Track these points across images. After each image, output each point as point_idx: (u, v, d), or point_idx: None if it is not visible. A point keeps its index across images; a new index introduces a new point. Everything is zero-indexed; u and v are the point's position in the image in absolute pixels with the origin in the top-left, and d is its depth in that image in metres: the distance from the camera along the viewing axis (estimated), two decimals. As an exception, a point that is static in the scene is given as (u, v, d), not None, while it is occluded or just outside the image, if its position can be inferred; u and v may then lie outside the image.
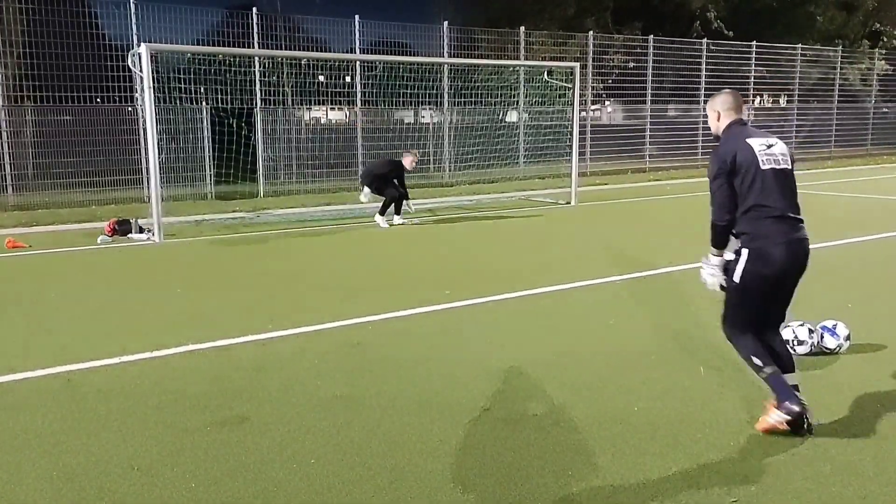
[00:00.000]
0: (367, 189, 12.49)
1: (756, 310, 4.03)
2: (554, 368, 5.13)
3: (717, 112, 4.21)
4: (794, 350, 5.21)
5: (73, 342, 5.92)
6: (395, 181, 12.50)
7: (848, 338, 5.29)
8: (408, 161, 12.63)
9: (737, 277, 3.99)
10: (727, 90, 4.30)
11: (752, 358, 4.00)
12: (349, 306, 6.89)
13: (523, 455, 3.82)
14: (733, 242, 4.10)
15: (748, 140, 4.00)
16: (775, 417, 3.94)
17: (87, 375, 5.12)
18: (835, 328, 5.30)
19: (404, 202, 12.67)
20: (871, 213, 13.27)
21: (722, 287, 4.17)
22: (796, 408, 3.86)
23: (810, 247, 4.04)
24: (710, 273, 4.21)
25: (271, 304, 7.12)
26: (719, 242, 4.11)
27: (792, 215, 3.95)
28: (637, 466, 3.68)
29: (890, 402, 4.46)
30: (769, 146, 4.01)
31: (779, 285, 4.01)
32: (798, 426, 3.92)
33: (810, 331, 5.25)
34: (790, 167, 4.04)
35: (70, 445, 3.99)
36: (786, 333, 5.28)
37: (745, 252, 3.95)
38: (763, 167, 3.92)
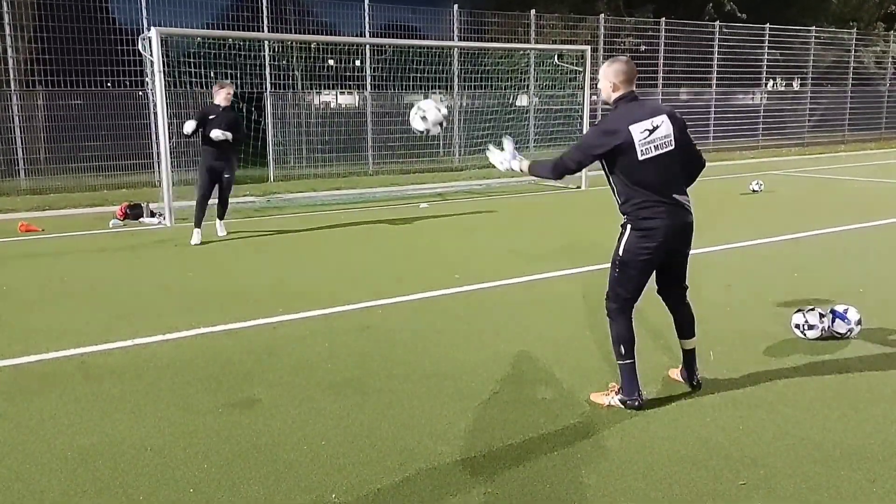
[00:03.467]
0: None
1: (635, 284, 4.12)
2: (563, 352, 5.14)
3: (613, 83, 4.14)
4: (805, 335, 5.22)
5: (86, 325, 5.97)
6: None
7: (859, 322, 5.28)
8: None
9: (620, 252, 4.12)
10: (623, 58, 4.25)
11: (620, 345, 4.16)
12: (359, 290, 6.91)
13: (532, 438, 3.84)
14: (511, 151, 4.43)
15: (631, 127, 3.96)
16: (611, 400, 4.21)
17: (101, 358, 5.17)
18: (846, 313, 5.29)
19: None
20: (884, 197, 13.18)
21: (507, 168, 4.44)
22: (636, 404, 4.14)
23: (693, 226, 4.16)
24: (501, 160, 4.44)
25: (281, 288, 7.15)
26: (534, 172, 4.40)
27: (673, 197, 4.03)
28: (645, 449, 3.70)
29: (900, 386, 4.46)
30: (652, 130, 3.97)
31: (658, 261, 4.14)
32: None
33: (821, 315, 5.24)
34: (673, 147, 4.01)
35: (84, 426, 4.04)
36: (796, 318, 5.29)
37: (628, 228, 4.10)
38: (640, 158, 3.95)
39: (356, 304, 6.44)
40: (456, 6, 19.74)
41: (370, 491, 3.35)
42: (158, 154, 11.87)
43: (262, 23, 17.15)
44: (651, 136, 3.97)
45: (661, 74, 22.94)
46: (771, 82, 28.04)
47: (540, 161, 4.41)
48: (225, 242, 9.73)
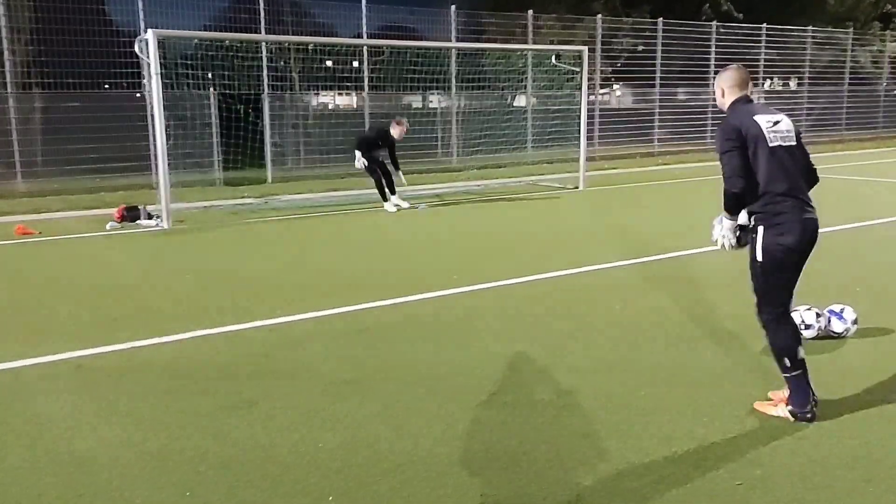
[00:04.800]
0: (358, 153, 12.22)
1: (785, 284, 3.97)
2: (560, 353, 5.14)
3: (723, 89, 4.23)
4: (802, 334, 5.21)
5: (83, 328, 5.96)
6: (381, 153, 12.34)
7: (855, 322, 5.28)
8: (396, 131, 12.35)
9: (759, 256, 3.94)
10: (734, 66, 4.28)
11: (784, 357, 3.94)
12: (356, 292, 6.91)
13: (529, 440, 3.84)
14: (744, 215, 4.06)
15: (755, 117, 3.96)
16: (781, 413, 4.01)
17: (98, 361, 5.17)
18: (842, 312, 5.29)
19: (394, 177, 12.54)
20: (882, 196, 13.20)
21: (731, 245, 4.12)
22: (808, 416, 3.94)
23: (820, 230, 4.01)
24: (722, 234, 4.13)
25: (279, 290, 7.15)
26: (732, 207, 4.01)
27: (801, 195, 3.94)
28: (643, 451, 3.70)
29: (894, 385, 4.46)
30: (775, 122, 3.96)
31: (797, 260, 3.95)
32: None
33: (817, 314, 5.25)
34: (795, 143, 4.00)
35: (81, 430, 4.03)
36: (793, 317, 5.28)
37: (760, 230, 3.92)
38: (771, 144, 3.89)
39: (353, 306, 6.44)
40: (453, 7, 19.76)
41: (367, 494, 3.35)
42: (155, 156, 11.86)
43: (260, 24, 17.16)
44: (776, 126, 3.93)
45: (659, 74, 22.96)
46: (768, 82, 28.09)
47: (726, 202, 4.02)
48: (221, 244, 9.72)
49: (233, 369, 4.94)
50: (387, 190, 12.41)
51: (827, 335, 5.26)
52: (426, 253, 9.08)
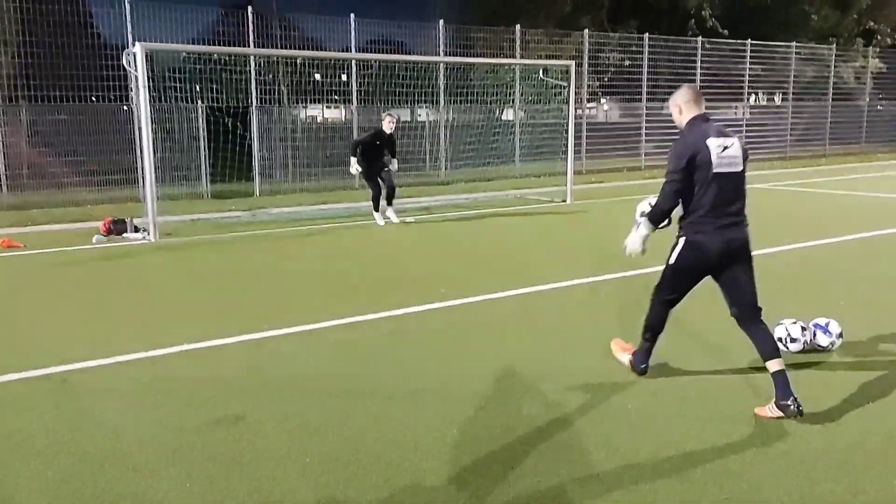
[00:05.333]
0: (353, 160, 12.16)
1: (681, 289, 4.60)
2: (549, 366, 5.15)
3: (679, 106, 4.48)
4: (787, 348, 5.24)
5: (68, 342, 5.92)
6: (383, 158, 12.28)
7: (840, 335, 5.31)
8: (386, 124, 12.25)
9: (673, 260, 4.50)
10: (686, 85, 4.64)
11: (647, 329, 4.73)
12: (345, 305, 6.90)
13: (518, 453, 3.83)
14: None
15: (708, 141, 4.25)
16: (625, 358, 4.90)
17: (83, 375, 5.13)
18: (827, 326, 5.32)
19: (388, 167, 12.41)
20: (865, 210, 13.31)
21: (637, 253, 4.69)
22: (641, 368, 4.78)
23: (750, 241, 4.43)
24: (634, 241, 4.64)
25: (267, 303, 7.13)
26: (658, 220, 4.53)
27: (732, 212, 4.33)
28: (631, 464, 3.70)
29: (882, 399, 4.49)
30: (725, 147, 4.28)
31: (710, 271, 4.46)
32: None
33: (803, 328, 5.27)
34: (740, 169, 4.34)
35: (66, 446, 4.00)
36: (778, 331, 5.31)
37: (682, 240, 4.43)
38: (715, 170, 4.23)
39: (341, 319, 6.42)
40: (441, 21, 19.86)
41: (355, 508, 3.34)
42: (143, 169, 11.83)
43: (248, 38, 17.18)
44: (725, 152, 4.26)
45: (645, 89, 23.12)
46: (753, 97, 28.34)
47: (651, 211, 4.53)
48: (209, 258, 9.69)
49: (220, 383, 4.92)
50: (383, 202, 12.32)
51: (812, 349, 5.29)
52: (414, 266, 9.08)
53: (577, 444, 3.94)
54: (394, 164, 12.58)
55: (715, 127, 4.38)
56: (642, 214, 4.61)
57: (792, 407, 4.09)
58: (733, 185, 4.30)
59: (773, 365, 4.25)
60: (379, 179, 12.26)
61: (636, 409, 4.37)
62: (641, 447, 3.88)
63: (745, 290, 4.43)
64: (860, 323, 5.93)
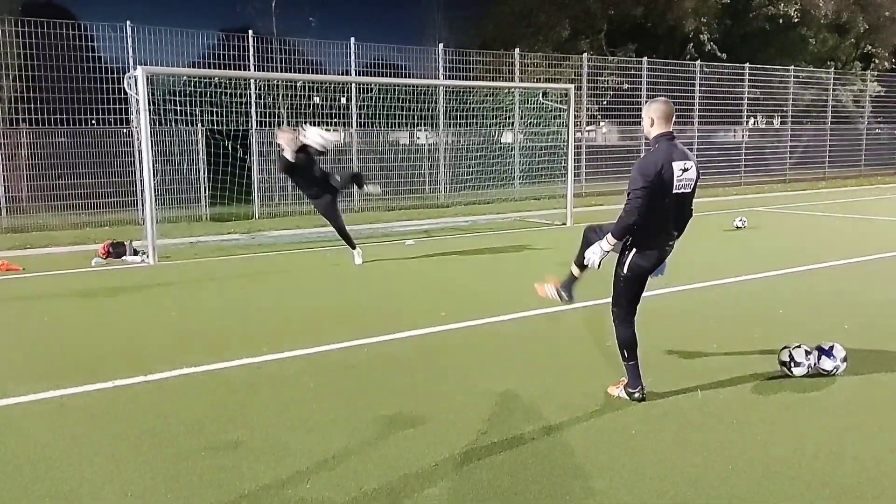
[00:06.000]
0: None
1: (634, 294, 4.90)
2: (550, 391, 5.11)
3: (652, 119, 4.70)
4: (791, 372, 5.20)
5: (66, 366, 5.87)
6: (314, 181, 10.21)
7: (845, 359, 5.27)
8: (283, 140, 10.03)
9: (625, 270, 4.82)
10: (662, 99, 4.80)
11: (624, 349, 4.89)
12: (344, 329, 6.86)
13: (520, 479, 3.79)
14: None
15: (673, 163, 4.53)
16: (620, 392, 4.93)
17: (81, 399, 5.08)
18: (832, 349, 5.28)
19: (368, 187, 11.21)
20: (866, 234, 13.30)
21: (596, 266, 4.96)
22: (637, 395, 4.84)
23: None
24: (597, 254, 4.89)
25: (266, 328, 7.09)
26: (622, 235, 4.73)
27: (675, 229, 4.78)
28: (634, 490, 3.66)
29: (888, 424, 4.44)
30: (684, 170, 4.57)
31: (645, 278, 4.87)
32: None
33: (807, 352, 5.23)
34: (690, 191, 4.68)
35: (63, 471, 3.95)
36: (782, 355, 5.28)
37: (633, 251, 4.75)
38: (674, 191, 4.56)
39: (341, 343, 6.38)
40: (441, 45, 19.98)
41: (355, 536, 3.29)
42: (142, 192, 11.83)
43: (248, 61, 17.26)
44: (683, 174, 4.57)
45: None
46: (752, 120, 28.45)
47: (614, 225, 4.75)
48: (208, 281, 9.66)
49: (218, 408, 4.87)
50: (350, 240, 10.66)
51: (817, 373, 5.24)
52: (414, 289, 9.05)
53: (580, 469, 3.89)
54: (375, 188, 11.27)
55: (679, 149, 4.63)
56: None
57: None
58: (683, 204, 4.69)
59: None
60: (330, 209, 10.44)
61: (639, 434, 4.32)
62: (644, 472, 3.83)
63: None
64: (864, 347, 5.90)
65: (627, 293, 4.90)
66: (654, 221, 4.61)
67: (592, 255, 4.88)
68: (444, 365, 5.80)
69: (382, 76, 20.12)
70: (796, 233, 13.68)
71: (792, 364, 5.21)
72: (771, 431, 4.34)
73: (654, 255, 4.76)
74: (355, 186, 11.58)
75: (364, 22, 52.88)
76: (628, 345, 4.90)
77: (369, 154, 18.95)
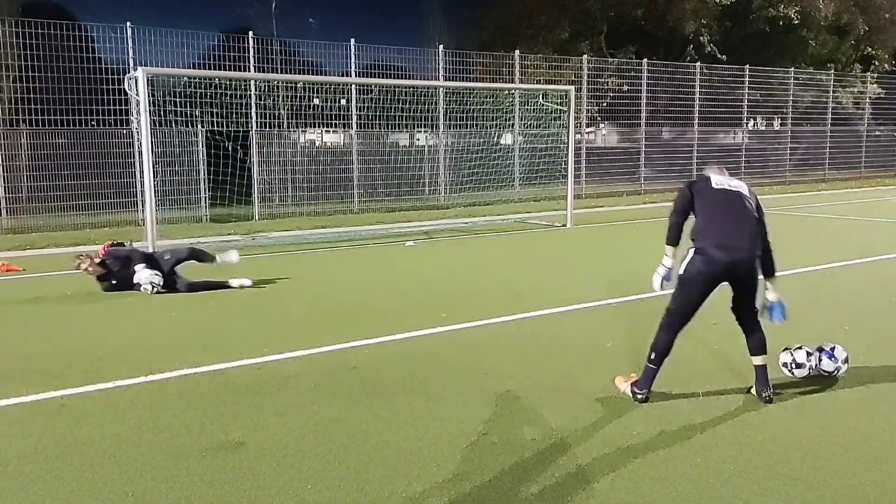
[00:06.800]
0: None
1: (687, 303, 4.80)
2: (551, 392, 5.10)
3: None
4: (793, 373, 5.20)
5: (66, 366, 5.87)
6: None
7: (846, 360, 5.26)
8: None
9: (682, 269, 4.79)
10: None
11: (653, 352, 4.82)
12: (345, 330, 6.86)
13: (521, 481, 3.78)
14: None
15: (710, 174, 4.98)
16: (626, 388, 4.92)
17: (82, 400, 5.08)
18: (833, 351, 5.28)
19: (221, 258, 9.54)
20: (868, 235, 13.31)
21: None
22: (640, 396, 4.82)
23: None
24: (660, 274, 5.05)
25: (267, 328, 7.08)
26: (671, 239, 4.93)
27: (736, 236, 4.69)
28: (636, 492, 3.65)
29: (889, 425, 4.44)
30: (729, 181, 4.91)
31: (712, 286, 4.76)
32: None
33: (808, 354, 5.23)
34: (743, 192, 4.84)
35: (64, 471, 3.94)
36: (783, 357, 5.28)
37: (692, 251, 4.75)
38: (716, 186, 4.83)
39: (342, 343, 6.38)
40: (441, 46, 19.99)
41: (357, 537, 3.28)
42: (142, 192, 11.83)
43: (249, 62, 17.26)
44: (727, 181, 4.86)
45: (644, 114, 23.22)
46: (752, 122, 28.46)
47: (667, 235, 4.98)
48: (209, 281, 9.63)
49: (220, 409, 4.87)
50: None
51: (818, 374, 5.24)
52: (414, 290, 9.04)
53: (581, 472, 3.88)
54: (228, 256, 9.66)
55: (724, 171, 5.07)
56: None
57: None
58: (738, 207, 4.85)
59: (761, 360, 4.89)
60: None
61: (640, 436, 4.31)
62: (647, 474, 3.83)
63: None
64: (866, 348, 5.90)
65: (679, 297, 4.82)
66: (707, 220, 4.72)
67: (655, 277, 5.06)
68: (445, 366, 5.79)
69: (382, 77, 20.12)
70: (796, 235, 13.67)
71: (793, 365, 5.21)
72: (772, 432, 4.34)
73: (717, 260, 4.63)
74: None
75: (364, 23, 53.00)
76: (660, 351, 4.82)
77: (369, 155, 18.96)
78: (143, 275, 8.72)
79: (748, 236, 4.72)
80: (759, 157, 26.59)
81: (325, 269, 10.66)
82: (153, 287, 8.70)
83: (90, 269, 8.76)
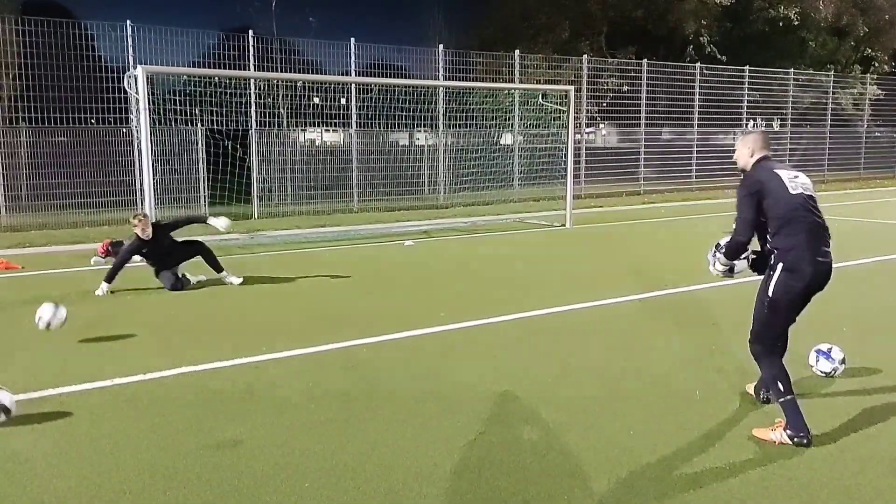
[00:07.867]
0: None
1: (783, 325, 4.35)
2: (549, 391, 5.10)
3: (752, 149, 4.50)
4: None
5: (65, 364, 5.87)
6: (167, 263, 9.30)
7: (843, 361, 5.28)
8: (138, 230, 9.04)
9: (770, 292, 4.27)
10: (759, 131, 4.69)
11: (776, 382, 4.23)
12: (343, 329, 6.86)
13: (519, 479, 3.79)
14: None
15: (777, 171, 4.33)
16: (779, 437, 4.16)
17: (80, 397, 5.08)
18: (830, 352, 5.29)
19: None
20: (866, 236, 13.31)
21: (725, 273, 4.70)
22: (804, 441, 4.10)
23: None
24: (715, 266, 4.72)
25: (265, 327, 7.09)
26: (733, 255, 4.55)
27: (821, 243, 4.32)
28: (633, 490, 3.66)
29: (886, 426, 4.45)
30: (795, 176, 4.34)
31: (803, 300, 4.33)
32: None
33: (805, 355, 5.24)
34: (813, 195, 4.36)
35: (61, 469, 3.95)
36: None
37: (779, 266, 4.25)
38: (792, 192, 4.25)
39: (340, 342, 6.38)
40: (441, 46, 19.99)
41: (354, 535, 3.29)
42: (142, 191, 11.82)
43: (248, 61, 17.27)
44: (797, 179, 4.32)
45: (644, 114, 23.23)
46: (751, 122, 28.47)
47: (728, 251, 4.62)
48: (206, 281, 9.64)
49: (218, 407, 4.87)
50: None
51: (815, 375, 5.25)
52: (413, 289, 9.05)
53: (579, 470, 3.89)
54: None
55: (782, 164, 4.54)
56: None
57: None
58: (815, 211, 4.41)
59: None
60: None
61: (638, 435, 4.32)
62: (643, 473, 3.84)
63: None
64: (862, 349, 5.90)
65: (774, 322, 4.31)
66: (793, 230, 4.22)
67: (712, 267, 4.77)
68: (442, 365, 5.79)
69: (382, 76, 20.14)
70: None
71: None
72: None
73: (809, 273, 4.20)
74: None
75: (364, 22, 53.02)
76: (783, 378, 4.22)
77: (369, 154, 18.97)
78: (221, 221, 9.54)
79: (829, 242, 4.38)
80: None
81: (323, 268, 10.66)
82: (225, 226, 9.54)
83: (143, 230, 8.94)
